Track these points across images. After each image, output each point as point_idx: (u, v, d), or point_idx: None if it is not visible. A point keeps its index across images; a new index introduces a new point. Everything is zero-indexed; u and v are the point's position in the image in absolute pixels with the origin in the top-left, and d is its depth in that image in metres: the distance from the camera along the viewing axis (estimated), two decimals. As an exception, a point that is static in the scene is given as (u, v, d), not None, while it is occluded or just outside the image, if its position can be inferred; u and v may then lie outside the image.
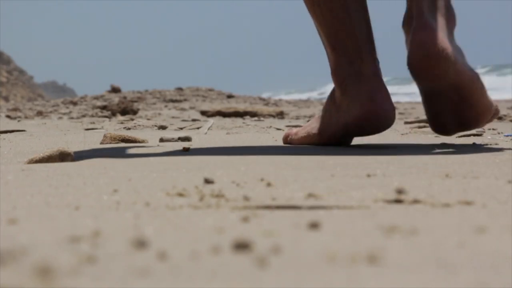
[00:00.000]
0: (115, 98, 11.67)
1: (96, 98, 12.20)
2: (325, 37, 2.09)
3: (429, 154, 2.40)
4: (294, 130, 2.55)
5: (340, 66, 2.11)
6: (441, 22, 1.90)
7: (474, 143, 2.95)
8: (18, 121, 6.33)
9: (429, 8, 1.92)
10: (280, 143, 3.03)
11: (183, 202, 1.39)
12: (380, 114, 2.09)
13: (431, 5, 1.92)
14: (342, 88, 2.15)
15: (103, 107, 7.91)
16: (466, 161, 2.11)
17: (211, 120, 4.96)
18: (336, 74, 2.15)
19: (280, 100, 14.82)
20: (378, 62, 2.12)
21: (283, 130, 4.10)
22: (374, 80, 2.07)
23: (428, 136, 3.43)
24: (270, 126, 4.62)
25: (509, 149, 2.65)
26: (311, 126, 2.35)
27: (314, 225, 1.11)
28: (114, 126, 4.80)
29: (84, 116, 7.46)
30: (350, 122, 2.18)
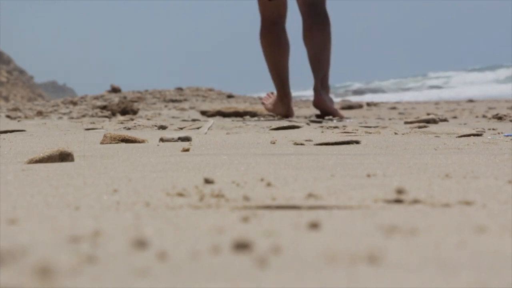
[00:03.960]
0: (115, 98, 11.67)
1: (96, 98, 12.19)
2: (275, 78, 6.09)
3: (429, 154, 2.40)
4: (269, 100, 6.32)
5: (281, 91, 6.07)
6: (324, 92, 5.91)
7: (474, 143, 2.95)
8: (18, 121, 6.33)
9: (321, 87, 5.84)
10: (280, 143, 3.03)
11: (183, 202, 1.39)
12: (289, 112, 6.07)
13: (322, 83, 5.86)
14: (281, 98, 6.06)
15: (103, 107, 7.90)
16: (466, 161, 2.11)
17: (211, 120, 4.96)
18: (279, 93, 6.08)
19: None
20: (289, 89, 6.19)
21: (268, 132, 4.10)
22: (288, 97, 6.13)
23: (428, 136, 3.43)
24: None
25: (509, 149, 2.65)
26: (273, 104, 6.18)
27: (314, 225, 1.11)
28: (114, 126, 4.80)
29: (84, 116, 7.46)
30: (284, 112, 6.08)
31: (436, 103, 12.15)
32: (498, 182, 1.62)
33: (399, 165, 2.00)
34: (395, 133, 3.68)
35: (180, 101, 12.09)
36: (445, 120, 5.61)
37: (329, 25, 5.78)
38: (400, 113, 7.89)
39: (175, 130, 4.47)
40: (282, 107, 6.01)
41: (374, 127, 4.40)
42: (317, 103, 5.84)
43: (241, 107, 7.74)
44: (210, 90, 14.13)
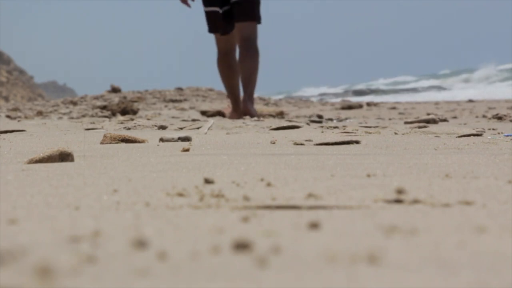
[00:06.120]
0: (115, 98, 11.67)
1: (96, 98, 12.19)
2: (230, 94, 7.81)
3: (429, 154, 2.40)
4: (228, 110, 7.91)
5: (234, 103, 7.68)
6: (250, 101, 7.47)
7: (474, 143, 2.95)
8: (18, 121, 6.33)
9: (248, 97, 7.43)
10: (280, 143, 3.04)
11: (183, 202, 1.39)
12: (241, 115, 7.39)
13: (249, 96, 7.46)
14: (235, 108, 7.63)
15: (103, 107, 7.90)
16: (466, 161, 2.11)
17: (211, 120, 4.96)
18: (233, 105, 7.72)
19: (280, 100, 14.84)
20: (240, 99, 7.76)
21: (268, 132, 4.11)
22: (240, 105, 7.62)
23: (428, 136, 3.43)
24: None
25: (509, 149, 2.65)
26: (230, 112, 7.72)
27: (314, 225, 1.11)
28: (114, 126, 4.80)
29: (84, 116, 7.46)
30: (238, 116, 7.37)
31: (436, 103, 12.15)
32: (498, 182, 1.62)
33: (399, 165, 2.00)
34: (395, 133, 3.68)
35: (180, 101, 12.10)
36: (445, 120, 5.61)
37: (258, 56, 7.74)
38: (400, 113, 7.90)
39: (175, 130, 4.47)
40: (237, 113, 7.71)
41: (374, 127, 4.40)
42: (244, 110, 7.67)
43: (241, 107, 7.74)
44: (210, 90, 14.13)
